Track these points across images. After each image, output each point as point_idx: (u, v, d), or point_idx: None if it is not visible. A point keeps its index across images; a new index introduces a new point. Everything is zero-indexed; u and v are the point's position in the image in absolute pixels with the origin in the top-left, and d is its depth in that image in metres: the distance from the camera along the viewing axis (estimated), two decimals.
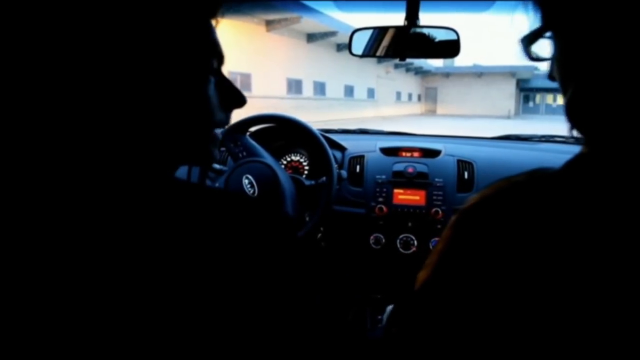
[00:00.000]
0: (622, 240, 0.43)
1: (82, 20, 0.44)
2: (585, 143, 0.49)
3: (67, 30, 0.44)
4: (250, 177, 1.50)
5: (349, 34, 1.44)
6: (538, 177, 0.49)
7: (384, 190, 1.73)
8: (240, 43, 14.75)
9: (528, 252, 0.45)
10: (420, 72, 39.44)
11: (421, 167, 1.73)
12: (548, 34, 0.50)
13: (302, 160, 1.88)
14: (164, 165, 0.53)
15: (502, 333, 0.47)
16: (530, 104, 44.14)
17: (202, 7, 0.52)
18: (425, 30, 1.36)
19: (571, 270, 0.43)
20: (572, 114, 0.50)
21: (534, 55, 0.52)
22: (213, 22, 0.54)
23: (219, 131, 0.59)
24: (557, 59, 0.50)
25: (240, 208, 0.53)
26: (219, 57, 0.56)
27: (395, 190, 1.73)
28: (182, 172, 1.50)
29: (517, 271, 0.46)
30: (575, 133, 0.50)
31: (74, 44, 0.44)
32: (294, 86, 21.25)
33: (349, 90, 27.53)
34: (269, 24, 17.66)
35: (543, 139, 2.00)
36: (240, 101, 0.60)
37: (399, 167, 1.75)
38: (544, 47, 0.51)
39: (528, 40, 0.51)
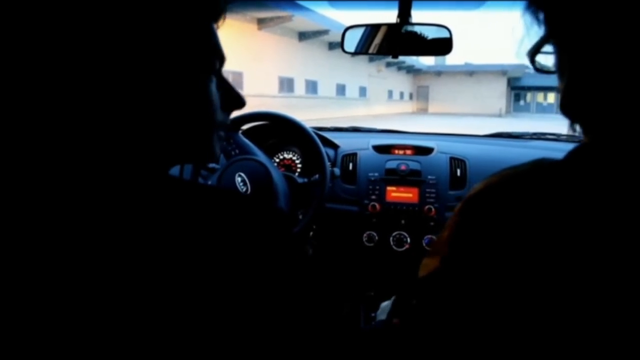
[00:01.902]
0: (627, 228, 0.43)
1: (87, 23, 0.45)
2: (585, 133, 0.50)
3: (73, 32, 0.44)
4: (243, 175, 1.49)
5: (341, 32, 1.44)
6: (543, 166, 0.50)
7: (377, 187, 1.73)
8: (231, 41, 14.62)
9: (534, 238, 0.46)
10: (411, 70, 39.54)
11: (414, 165, 1.74)
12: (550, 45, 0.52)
13: (294, 158, 1.88)
14: (163, 163, 0.54)
15: (511, 320, 0.47)
16: (521, 102, 44.38)
17: (204, 11, 0.53)
18: (417, 28, 1.36)
19: (576, 256, 0.44)
20: (567, 105, 0.50)
21: (539, 66, 0.54)
22: (215, 25, 0.56)
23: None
24: (557, 60, 0.52)
25: (237, 204, 0.53)
26: (221, 59, 0.57)
27: (388, 188, 1.73)
28: (174, 170, 1.49)
29: (523, 257, 0.46)
30: (576, 127, 0.51)
31: (80, 47, 0.45)
32: (286, 85, 21.23)
33: (341, 89, 27.55)
34: (260, 22, 17.62)
35: (534, 137, 2.01)
36: (240, 102, 0.62)
37: (391, 164, 1.75)
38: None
39: (533, 52, 0.53)
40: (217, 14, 0.55)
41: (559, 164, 0.49)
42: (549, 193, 0.47)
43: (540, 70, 0.54)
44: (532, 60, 0.54)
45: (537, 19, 0.51)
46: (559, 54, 0.51)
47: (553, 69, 0.53)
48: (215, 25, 0.56)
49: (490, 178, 0.52)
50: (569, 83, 0.50)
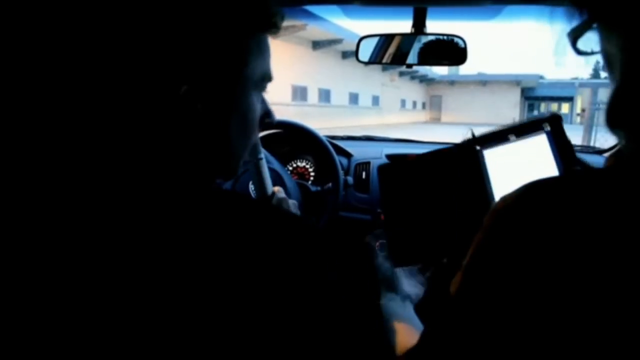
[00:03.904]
0: None
1: (138, 42, 0.46)
2: (627, 141, 0.45)
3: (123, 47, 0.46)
4: None
5: (355, 41, 1.45)
6: (584, 175, 0.45)
7: None
8: None
9: (582, 255, 0.41)
10: (425, 80, 39.49)
11: None
12: (594, 25, 0.46)
13: (308, 166, 1.88)
14: (203, 180, 0.55)
15: (543, 333, 0.43)
16: (535, 112, 44.02)
17: (251, 23, 0.52)
18: (432, 38, 1.37)
19: (614, 268, 0.40)
20: (613, 110, 0.45)
21: (581, 50, 0.47)
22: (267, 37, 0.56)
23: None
24: (603, 51, 0.46)
25: (264, 211, 0.52)
26: (270, 79, 0.58)
27: None
28: None
29: (563, 267, 0.41)
30: (619, 137, 0.45)
31: (119, 61, 0.46)
32: (299, 93, 21.30)
33: (354, 98, 27.58)
34: None
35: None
36: (272, 119, 0.62)
37: None
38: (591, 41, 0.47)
39: (574, 34, 0.47)
40: (266, 25, 0.54)
41: (600, 174, 0.44)
42: (590, 202, 0.42)
43: (582, 53, 0.47)
44: (576, 50, 0.47)
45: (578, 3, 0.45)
46: (606, 44, 0.45)
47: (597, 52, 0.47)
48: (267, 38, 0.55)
49: (524, 189, 0.46)
50: (623, 81, 0.43)
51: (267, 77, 0.57)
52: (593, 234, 0.41)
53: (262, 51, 0.55)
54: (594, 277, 0.40)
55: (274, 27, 0.54)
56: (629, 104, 0.44)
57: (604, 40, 0.46)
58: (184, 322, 0.44)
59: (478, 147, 0.99)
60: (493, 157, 0.95)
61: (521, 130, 0.91)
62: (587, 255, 0.40)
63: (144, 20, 0.46)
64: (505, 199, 0.47)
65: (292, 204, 0.94)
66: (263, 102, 0.60)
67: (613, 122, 0.45)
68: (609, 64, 0.46)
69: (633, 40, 0.42)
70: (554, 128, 0.83)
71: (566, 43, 0.47)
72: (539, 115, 0.90)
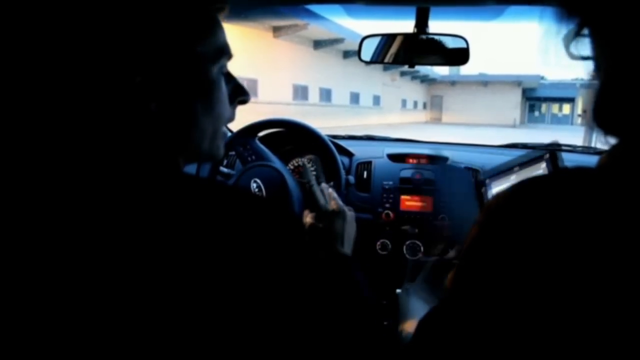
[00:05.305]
0: None
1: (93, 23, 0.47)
2: (619, 143, 0.45)
3: (80, 31, 0.47)
4: (258, 180, 1.50)
5: (356, 41, 1.46)
6: (577, 173, 0.45)
7: (391, 196, 1.74)
8: (247, 49, 14.80)
9: (565, 242, 0.42)
10: (426, 80, 39.47)
11: (428, 174, 1.74)
12: (586, 31, 0.46)
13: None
14: (174, 161, 0.56)
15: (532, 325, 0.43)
16: (536, 113, 44.04)
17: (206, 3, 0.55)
18: (434, 38, 1.37)
19: (603, 262, 0.40)
20: (600, 110, 0.46)
21: (574, 54, 0.48)
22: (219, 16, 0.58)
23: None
24: (594, 55, 0.47)
25: (252, 204, 0.53)
26: (229, 55, 0.59)
27: (402, 197, 1.73)
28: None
29: (553, 262, 0.42)
30: (610, 139, 0.46)
31: (82, 46, 0.47)
32: (300, 92, 21.28)
33: (355, 97, 27.55)
34: (276, 30, 17.72)
35: (550, 148, 2.00)
36: (245, 93, 0.64)
37: (406, 173, 1.76)
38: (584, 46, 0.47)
39: (568, 39, 0.47)
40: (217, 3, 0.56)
41: (591, 171, 0.45)
42: (588, 202, 0.42)
43: (577, 57, 0.48)
44: (568, 54, 0.47)
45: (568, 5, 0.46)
46: (595, 44, 0.45)
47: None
48: (220, 18, 0.58)
49: (516, 186, 0.47)
50: (607, 82, 0.44)
51: (223, 52, 0.58)
52: (583, 230, 0.41)
53: (211, 27, 0.56)
54: (583, 271, 0.41)
55: (217, 2, 0.57)
56: (614, 106, 0.45)
57: (593, 44, 0.46)
58: (163, 303, 0.45)
59: (487, 180, 1.14)
60: (499, 189, 1.07)
61: (525, 163, 1.06)
62: (577, 250, 0.41)
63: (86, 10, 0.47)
64: (498, 196, 0.48)
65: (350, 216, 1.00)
66: (232, 79, 0.62)
67: (601, 123, 0.46)
68: (596, 67, 0.47)
69: (619, 45, 0.43)
70: (552, 155, 0.97)
71: (555, 44, 0.48)
72: (540, 146, 1.08)
